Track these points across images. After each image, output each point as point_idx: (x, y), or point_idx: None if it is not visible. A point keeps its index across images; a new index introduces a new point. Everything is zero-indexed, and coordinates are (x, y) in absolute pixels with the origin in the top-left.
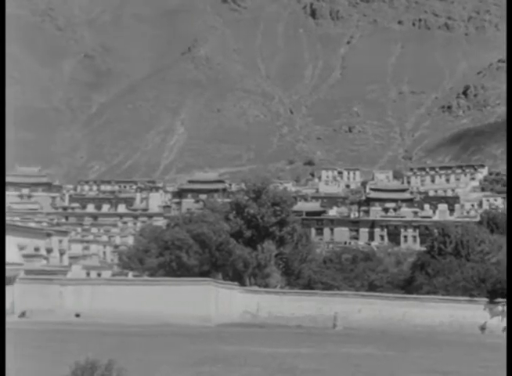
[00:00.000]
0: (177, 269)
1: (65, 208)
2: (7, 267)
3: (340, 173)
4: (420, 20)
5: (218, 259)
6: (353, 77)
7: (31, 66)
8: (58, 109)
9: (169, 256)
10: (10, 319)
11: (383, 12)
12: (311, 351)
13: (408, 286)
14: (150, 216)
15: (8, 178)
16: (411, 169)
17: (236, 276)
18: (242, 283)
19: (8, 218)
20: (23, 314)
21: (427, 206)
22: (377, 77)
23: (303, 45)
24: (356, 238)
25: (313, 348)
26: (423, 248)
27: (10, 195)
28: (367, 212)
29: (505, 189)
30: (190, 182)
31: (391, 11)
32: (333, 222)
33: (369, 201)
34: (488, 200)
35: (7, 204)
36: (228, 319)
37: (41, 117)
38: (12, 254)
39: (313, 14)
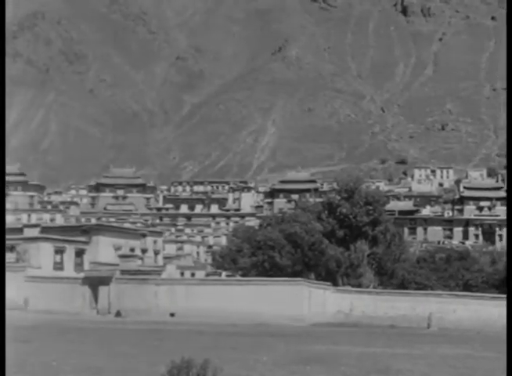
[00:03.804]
0: (269, 269)
1: (159, 209)
2: (104, 267)
3: (433, 172)
4: None
5: (310, 259)
6: (445, 74)
7: (125, 70)
8: (151, 111)
9: (262, 256)
10: (106, 319)
11: (475, 7)
12: (405, 351)
13: (503, 286)
14: (243, 216)
15: (103, 180)
16: (505, 167)
17: (329, 276)
18: (335, 283)
19: (103, 219)
20: (118, 314)
21: None
22: (470, 74)
23: (394, 42)
24: (450, 237)
25: (408, 349)
26: None
27: (105, 196)
28: (461, 211)
29: None
30: (282, 182)
31: (484, 7)
32: (427, 222)
33: (463, 200)
34: None
35: (103, 205)
36: (321, 319)
37: (134, 119)
38: (108, 255)
39: (404, 11)
